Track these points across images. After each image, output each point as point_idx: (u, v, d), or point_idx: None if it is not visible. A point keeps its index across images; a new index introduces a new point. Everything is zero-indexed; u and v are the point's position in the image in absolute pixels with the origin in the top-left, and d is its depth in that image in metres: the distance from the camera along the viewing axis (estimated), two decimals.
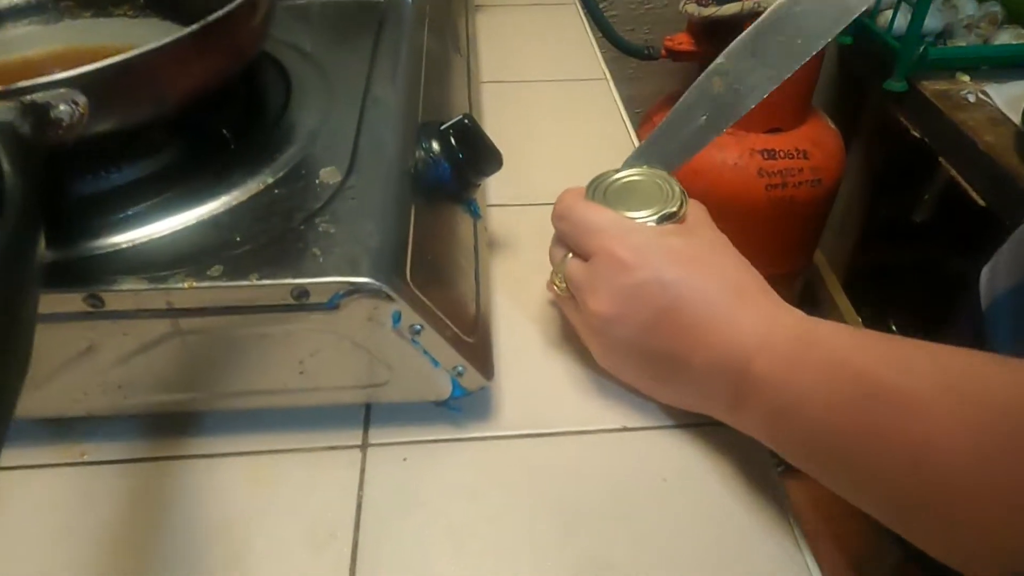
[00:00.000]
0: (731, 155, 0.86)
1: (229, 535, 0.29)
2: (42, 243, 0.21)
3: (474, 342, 0.32)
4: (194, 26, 0.28)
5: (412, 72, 0.43)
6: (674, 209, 0.33)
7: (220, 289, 0.27)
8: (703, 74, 0.36)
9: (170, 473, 0.32)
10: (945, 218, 0.93)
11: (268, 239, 0.29)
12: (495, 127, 0.56)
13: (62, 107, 0.25)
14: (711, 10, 0.81)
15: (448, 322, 0.30)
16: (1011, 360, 0.24)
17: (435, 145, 0.37)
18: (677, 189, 0.34)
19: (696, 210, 0.35)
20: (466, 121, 0.38)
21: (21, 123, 0.23)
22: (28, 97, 0.24)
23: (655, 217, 0.33)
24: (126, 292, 0.27)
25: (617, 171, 0.36)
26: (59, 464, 0.32)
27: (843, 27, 0.34)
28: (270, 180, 0.32)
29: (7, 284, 0.20)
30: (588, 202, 0.34)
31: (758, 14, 0.80)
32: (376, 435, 0.34)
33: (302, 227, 0.29)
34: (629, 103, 1.10)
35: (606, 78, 0.64)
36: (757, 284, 0.31)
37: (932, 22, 0.94)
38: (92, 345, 0.28)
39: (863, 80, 1.01)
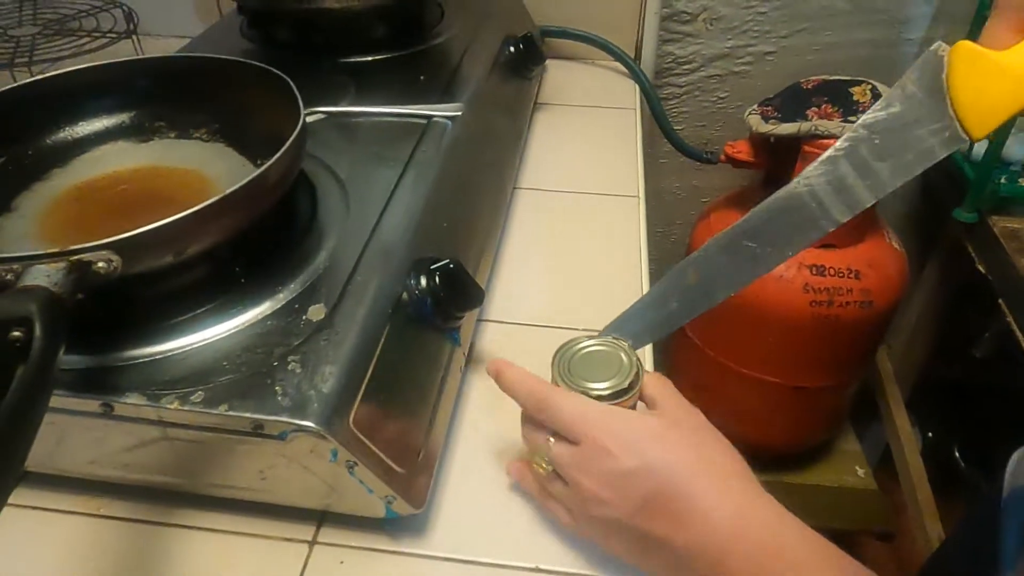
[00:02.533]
0: (779, 267, 0.86)
1: None
2: (55, 373, 0.29)
3: (407, 474, 0.37)
4: (215, 198, 0.35)
5: (428, 201, 0.49)
6: (625, 385, 0.36)
7: (197, 414, 0.34)
8: (683, 261, 0.40)
9: (159, 536, 0.39)
10: (1005, 358, 0.88)
11: (247, 371, 0.35)
12: (517, 236, 0.62)
13: (100, 264, 0.33)
14: (770, 126, 0.82)
15: (383, 457, 0.36)
16: None
17: (422, 281, 0.43)
18: (634, 366, 0.37)
19: (659, 386, 0.37)
20: (451, 265, 0.43)
21: (63, 284, 0.31)
22: (76, 257, 0.32)
23: (609, 391, 0.36)
24: (130, 404, 0.34)
25: (585, 339, 0.40)
26: (80, 512, 0.40)
27: (809, 244, 0.36)
28: (267, 312, 0.39)
29: (25, 403, 0.27)
30: (561, 392, 0.36)
31: (815, 136, 0.81)
32: (325, 534, 0.39)
33: (275, 363, 0.35)
34: (694, 193, 1.12)
35: (638, 196, 0.68)
36: (739, 471, 0.34)
37: (1020, 150, 0.90)
38: (104, 436, 0.36)
39: (941, 201, 0.98)
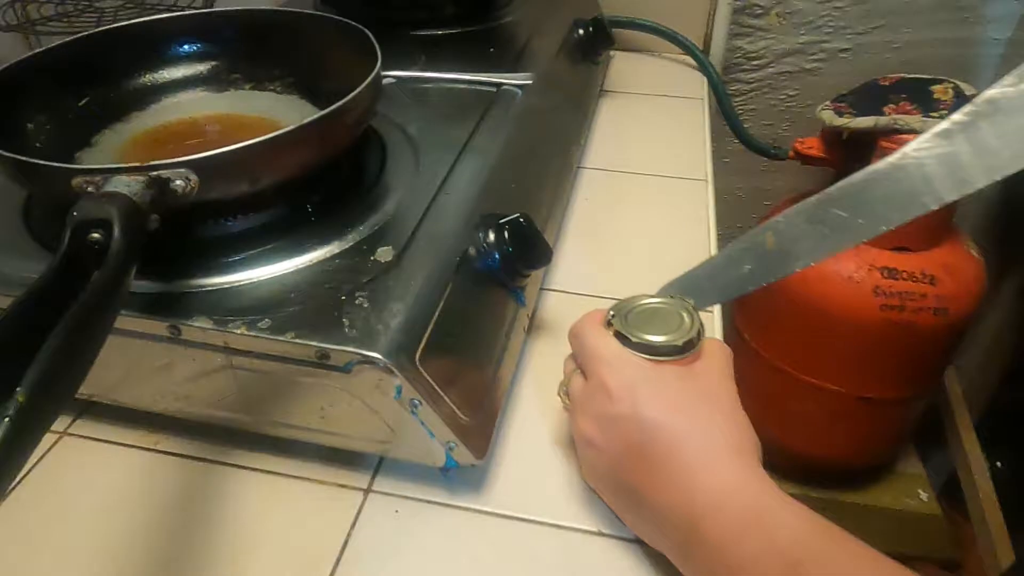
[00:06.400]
0: (847, 267, 0.82)
1: (234, 539, 0.35)
2: (128, 284, 0.28)
3: (471, 422, 0.36)
4: (290, 127, 0.35)
5: (497, 161, 0.48)
6: (679, 343, 0.34)
7: (263, 340, 0.33)
8: (759, 226, 0.37)
9: (213, 474, 0.39)
10: None
11: (314, 303, 0.35)
12: (582, 213, 0.60)
13: (179, 182, 0.32)
14: (845, 120, 0.79)
15: (448, 400, 0.34)
16: None
17: (490, 236, 0.42)
18: (695, 324, 0.35)
19: (715, 357, 0.35)
20: (521, 220, 0.42)
21: (142, 195, 0.30)
22: (155, 173, 0.32)
23: (662, 345, 0.34)
24: (196, 328, 0.34)
25: (649, 295, 0.38)
26: (138, 446, 0.40)
27: (907, 220, 0.33)
28: (336, 251, 0.38)
29: (96, 312, 0.27)
30: (599, 328, 0.35)
31: (894, 130, 0.77)
32: (380, 483, 0.38)
33: (343, 298, 0.35)
34: (758, 195, 1.09)
35: (707, 180, 0.66)
36: (737, 445, 0.31)
37: None
38: (169, 363, 0.36)
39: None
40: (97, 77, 0.46)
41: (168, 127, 0.46)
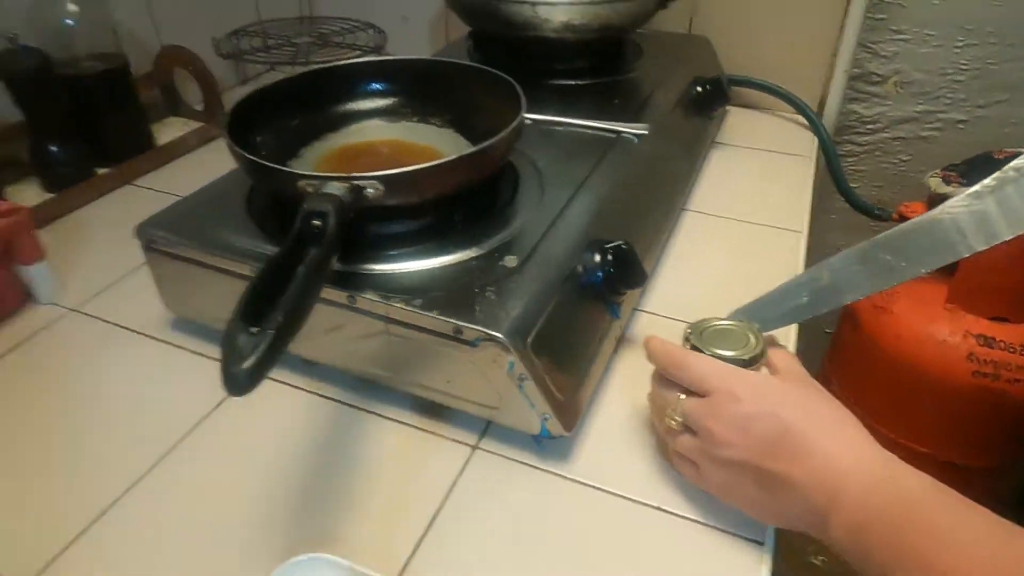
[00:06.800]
0: (941, 330, 0.84)
1: (364, 473, 0.46)
2: (333, 261, 0.40)
3: (564, 400, 0.44)
4: (454, 156, 0.46)
5: (609, 196, 0.57)
6: (745, 358, 0.42)
7: (415, 314, 0.44)
8: (817, 265, 0.45)
9: (356, 418, 0.49)
10: None
11: (455, 292, 0.45)
12: (680, 249, 0.68)
13: (370, 190, 0.44)
14: (952, 188, 0.82)
15: (548, 380, 0.43)
16: None
17: (596, 257, 0.51)
18: (760, 344, 0.43)
19: (787, 360, 0.43)
20: (623, 246, 0.51)
21: (347, 196, 0.42)
22: (356, 181, 0.43)
23: (735, 359, 0.42)
24: (367, 299, 0.45)
25: (720, 318, 0.46)
26: (305, 389, 0.52)
27: (942, 264, 0.40)
28: (473, 255, 0.48)
29: (312, 281, 0.38)
30: (694, 353, 0.42)
31: None
32: (486, 443, 0.48)
33: (476, 290, 0.45)
34: None
35: (802, 232, 0.71)
36: (850, 419, 0.38)
37: None
38: (342, 324, 0.47)
39: None
40: (307, 105, 0.59)
41: (354, 147, 0.59)
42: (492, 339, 0.42)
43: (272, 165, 0.45)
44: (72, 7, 0.72)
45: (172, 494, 0.44)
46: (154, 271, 0.54)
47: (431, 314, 0.43)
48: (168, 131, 0.86)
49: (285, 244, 0.38)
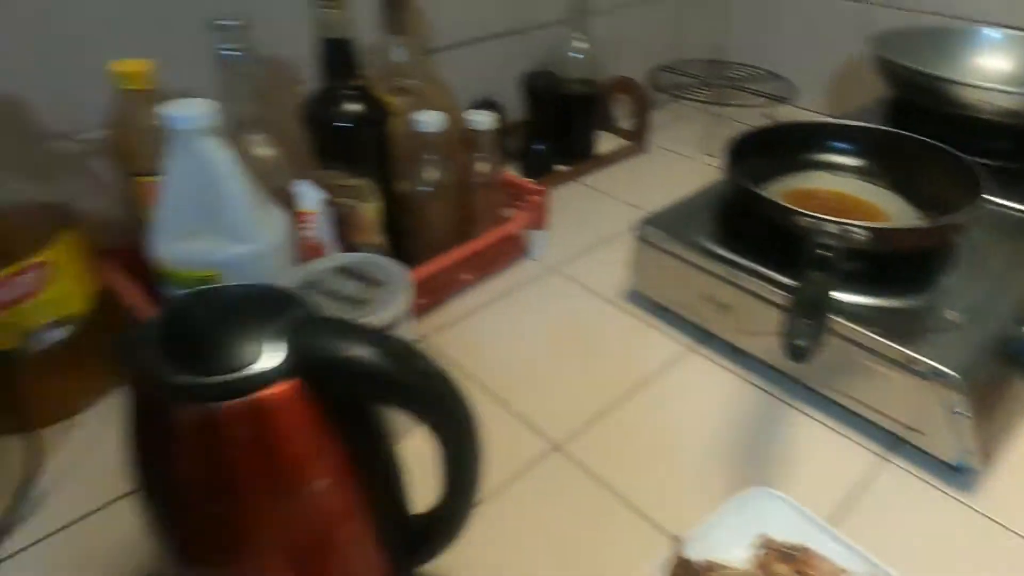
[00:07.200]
0: None
1: (769, 456, 0.58)
2: (833, 282, 0.53)
3: (984, 440, 0.52)
4: (921, 224, 0.56)
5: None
6: None
7: (870, 337, 0.55)
8: None
9: (773, 406, 0.62)
10: None
11: (907, 329, 0.55)
12: None
13: (856, 234, 0.56)
14: None
15: (980, 420, 0.52)
16: None
17: None
18: None
19: None
20: None
21: (839, 236, 0.54)
22: (846, 224, 0.56)
23: None
24: (834, 322, 0.57)
25: None
26: (734, 372, 0.66)
27: None
28: (918, 303, 0.58)
29: (823, 297, 0.51)
30: None
31: None
32: (894, 457, 0.57)
33: (925, 332, 0.54)
34: None
35: None
36: None
37: None
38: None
39: None
40: (780, 148, 0.73)
41: (805, 191, 0.71)
42: (943, 375, 0.51)
43: (788, 206, 0.59)
44: (580, 44, 0.95)
45: (636, 426, 0.61)
46: (637, 255, 0.72)
47: (889, 341, 0.54)
48: (603, 143, 1.07)
49: (802, 266, 0.52)
